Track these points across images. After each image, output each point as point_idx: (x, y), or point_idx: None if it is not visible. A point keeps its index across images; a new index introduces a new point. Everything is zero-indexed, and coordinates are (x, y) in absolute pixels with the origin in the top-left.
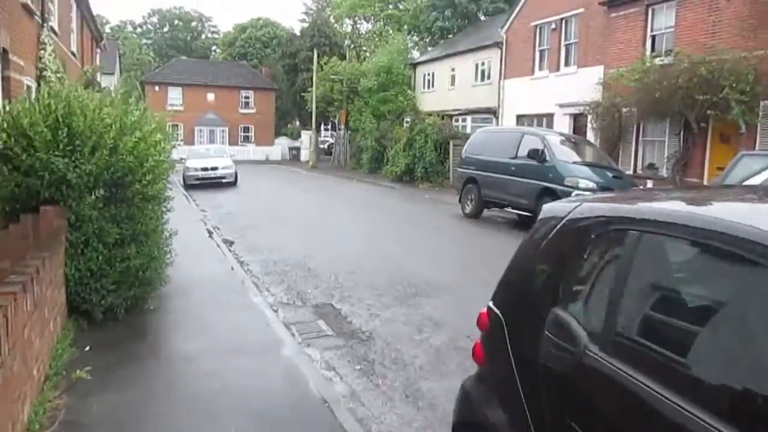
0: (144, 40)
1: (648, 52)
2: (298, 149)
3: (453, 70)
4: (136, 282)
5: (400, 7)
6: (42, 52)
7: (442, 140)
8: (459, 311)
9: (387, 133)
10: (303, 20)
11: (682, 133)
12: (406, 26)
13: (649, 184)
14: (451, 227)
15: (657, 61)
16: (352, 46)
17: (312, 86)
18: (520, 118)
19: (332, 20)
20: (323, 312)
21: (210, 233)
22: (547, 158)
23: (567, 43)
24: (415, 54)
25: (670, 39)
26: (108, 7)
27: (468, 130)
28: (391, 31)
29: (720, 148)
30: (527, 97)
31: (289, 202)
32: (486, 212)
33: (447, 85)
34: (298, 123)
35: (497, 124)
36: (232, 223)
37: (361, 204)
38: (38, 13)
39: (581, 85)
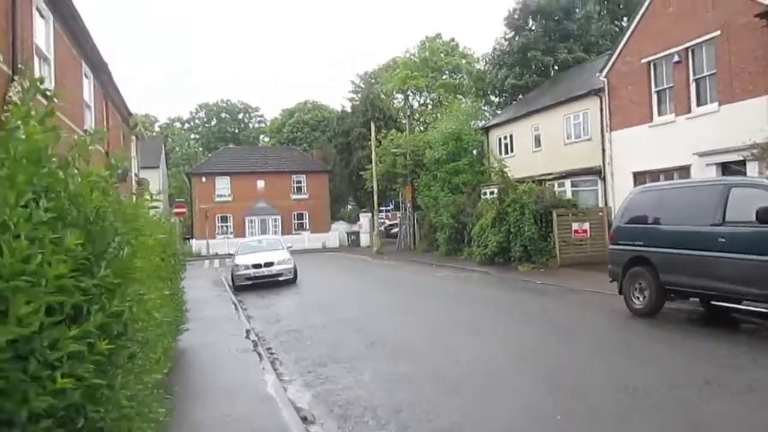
0: (192, 135)
1: None
2: (357, 234)
3: (536, 129)
4: None
5: (456, 75)
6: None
7: (543, 210)
8: None
9: (466, 207)
10: (352, 99)
11: None
12: (471, 91)
13: None
14: (641, 343)
15: None
16: (410, 116)
17: (370, 163)
18: (639, 176)
19: (383, 96)
20: None
21: (266, 377)
22: None
23: (698, 77)
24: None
25: None
26: (157, 106)
27: (568, 195)
28: (449, 100)
29: None
30: (646, 150)
31: (371, 306)
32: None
33: (530, 148)
34: (349, 207)
35: (604, 185)
36: (301, 351)
37: (471, 303)
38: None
39: (728, 125)
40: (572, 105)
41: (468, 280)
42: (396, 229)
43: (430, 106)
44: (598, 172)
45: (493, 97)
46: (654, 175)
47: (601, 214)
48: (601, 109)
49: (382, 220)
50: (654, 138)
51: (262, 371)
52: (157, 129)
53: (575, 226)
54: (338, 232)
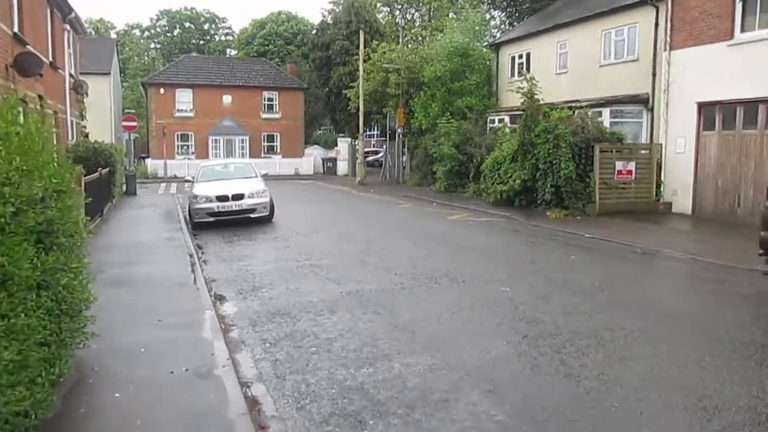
0: (152, 45)
1: None
2: (334, 161)
3: (563, 47)
4: None
5: None
6: None
7: (584, 144)
8: None
9: (473, 136)
10: (331, 11)
11: None
12: (471, 2)
13: None
14: None
15: None
16: (404, 28)
17: (352, 81)
18: (707, 108)
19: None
20: None
21: None
22: None
23: None
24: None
25: None
26: (113, 11)
27: (607, 126)
28: (440, 16)
29: None
30: (721, 75)
31: (391, 269)
32: None
33: (553, 69)
34: (319, 131)
35: (651, 117)
36: (303, 371)
37: (529, 271)
38: None
39: None
40: (615, 17)
41: (495, 229)
42: (373, 157)
43: (417, 23)
44: (644, 101)
45: (496, 13)
46: (729, 107)
47: (645, 151)
48: (657, 23)
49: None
50: (734, 60)
51: None
52: (113, 36)
53: (619, 165)
54: (313, 157)
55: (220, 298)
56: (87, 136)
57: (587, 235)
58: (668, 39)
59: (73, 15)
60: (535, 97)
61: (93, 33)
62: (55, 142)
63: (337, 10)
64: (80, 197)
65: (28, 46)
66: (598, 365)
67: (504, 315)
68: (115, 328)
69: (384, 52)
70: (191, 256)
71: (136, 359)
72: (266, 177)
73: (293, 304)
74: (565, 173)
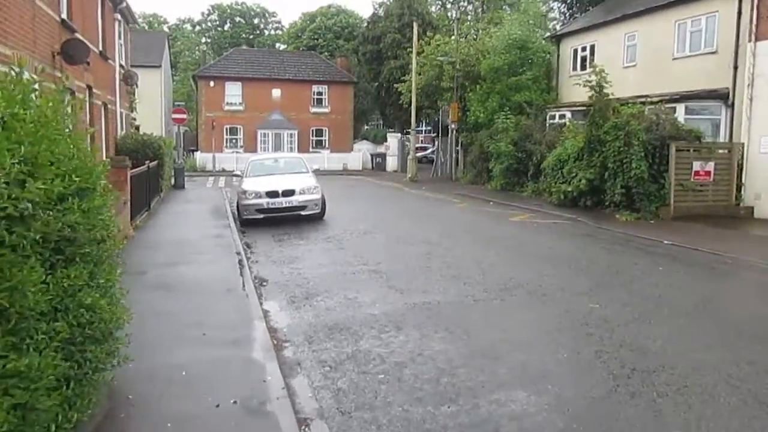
0: (203, 39)
1: None
2: (383, 156)
3: (631, 38)
4: None
5: None
6: None
7: (659, 142)
8: None
9: (533, 132)
10: (382, 4)
11: None
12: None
13: None
14: None
15: None
16: (458, 20)
17: (404, 75)
18: None
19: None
20: None
21: None
22: None
23: None
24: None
25: None
26: (165, 6)
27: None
28: (493, 8)
29: None
30: None
31: (455, 275)
32: None
33: (620, 62)
34: (366, 127)
35: (731, 113)
36: (371, 406)
37: (629, 290)
38: None
39: None
40: (692, 6)
41: (564, 233)
42: (422, 153)
43: (470, 16)
44: (723, 97)
45: (555, 4)
46: None
47: (724, 151)
48: (740, 12)
49: (408, 143)
50: None
51: None
52: (165, 29)
53: (697, 166)
54: (361, 152)
55: (270, 307)
56: (138, 128)
57: (666, 242)
58: (754, 29)
59: (124, 4)
60: (604, 90)
61: (147, 27)
62: (86, 128)
63: (389, 3)
64: (115, 195)
65: (76, 34)
66: (735, 415)
67: (601, 340)
68: (154, 345)
69: (438, 45)
70: (239, 256)
71: (177, 386)
72: (315, 172)
73: (353, 317)
74: (637, 173)
